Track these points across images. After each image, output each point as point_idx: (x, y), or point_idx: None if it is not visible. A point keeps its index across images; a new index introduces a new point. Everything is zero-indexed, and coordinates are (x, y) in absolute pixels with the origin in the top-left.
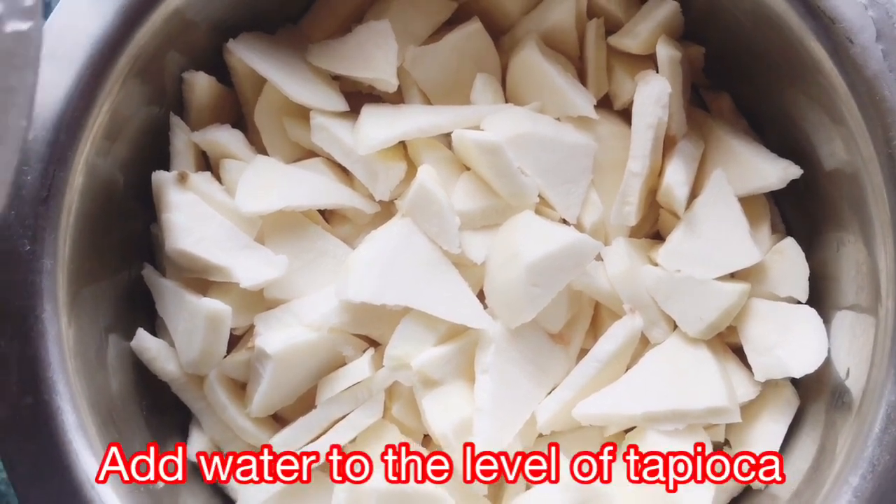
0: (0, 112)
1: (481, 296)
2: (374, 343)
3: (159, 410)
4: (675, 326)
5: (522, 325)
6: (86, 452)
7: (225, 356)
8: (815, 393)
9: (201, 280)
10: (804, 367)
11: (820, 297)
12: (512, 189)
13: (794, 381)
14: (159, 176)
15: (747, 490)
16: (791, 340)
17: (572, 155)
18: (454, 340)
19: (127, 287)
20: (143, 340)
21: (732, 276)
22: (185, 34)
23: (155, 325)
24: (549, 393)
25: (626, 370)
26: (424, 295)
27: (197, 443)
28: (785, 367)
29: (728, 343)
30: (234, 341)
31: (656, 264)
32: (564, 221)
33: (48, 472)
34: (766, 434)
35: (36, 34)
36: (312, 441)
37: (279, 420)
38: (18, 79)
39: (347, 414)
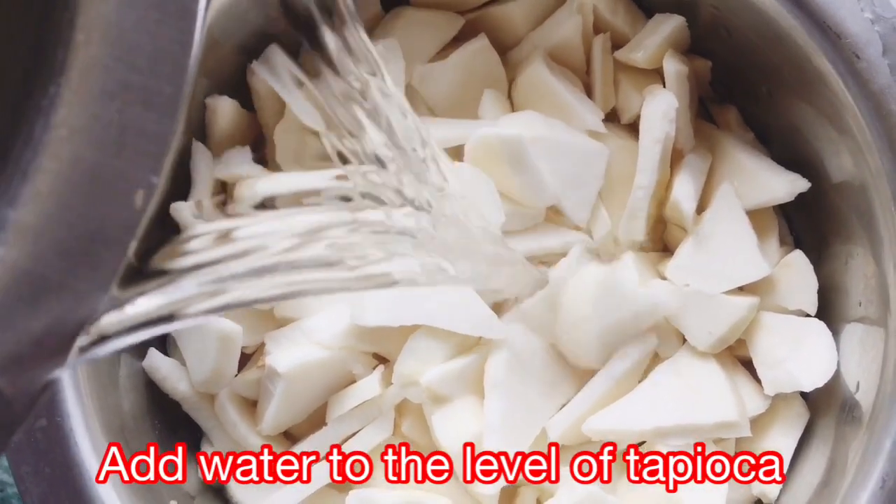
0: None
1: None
2: (383, 360)
3: (171, 430)
4: (684, 341)
5: (531, 341)
6: None
7: (236, 374)
8: (825, 407)
9: None
10: (814, 380)
11: (829, 309)
12: (530, 186)
13: (803, 395)
14: (178, 206)
15: None
16: (800, 354)
17: (585, 159)
18: (463, 356)
19: None
20: (155, 360)
21: (741, 290)
22: (211, 56)
23: (166, 344)
24: (560, 409)
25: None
26: (439, 310)
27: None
28: (795, 380)
29: (737, 356)
30: (245, 359)
31: (665, 278)
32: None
33: (61, 495)
34: (776, 448)
35: None
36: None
37: (290, 437)
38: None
39: (358, 431)
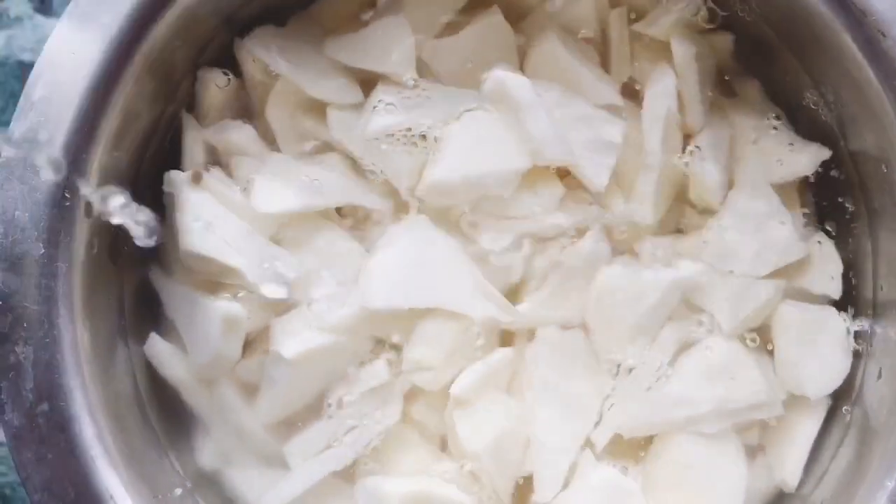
0: None
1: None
2: (390, 345)
3: (169, 416)
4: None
5: (564, 337)
6: (102, 460)
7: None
8: (848, 393)
9: (210, 281)
10: (821, 389)
11: (850, 291)
12: (541, 133)
13: None
14: (173, 176)
15: (780, 495)
16: (814, 359)
17: (602, 130)
18: (486, 359)
19: (137, 289)
20: (156, 344)
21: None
22: (196, 29)
23: (161, 328)
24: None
25: None
26: (447, 293)
27: (205, 450)
28: (802, 388)
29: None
30: (245, 344)
31: (689, 260)
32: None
33: (64, 481)
34: (800, 435)
35: None
36: (329, 447)
37: (288, 424)
38: None
39: (365, 418)
